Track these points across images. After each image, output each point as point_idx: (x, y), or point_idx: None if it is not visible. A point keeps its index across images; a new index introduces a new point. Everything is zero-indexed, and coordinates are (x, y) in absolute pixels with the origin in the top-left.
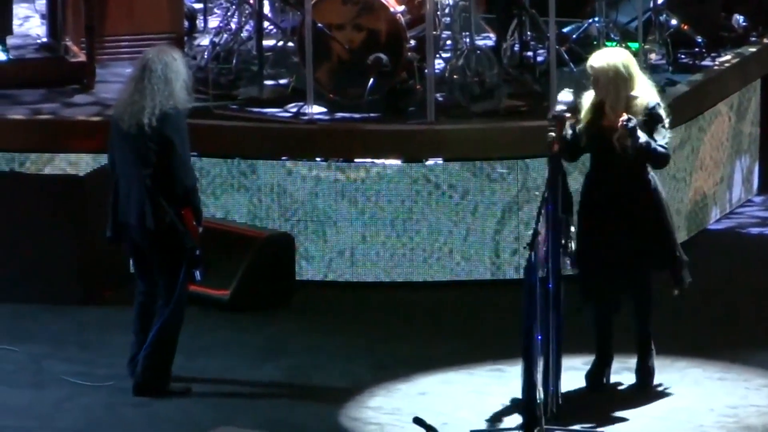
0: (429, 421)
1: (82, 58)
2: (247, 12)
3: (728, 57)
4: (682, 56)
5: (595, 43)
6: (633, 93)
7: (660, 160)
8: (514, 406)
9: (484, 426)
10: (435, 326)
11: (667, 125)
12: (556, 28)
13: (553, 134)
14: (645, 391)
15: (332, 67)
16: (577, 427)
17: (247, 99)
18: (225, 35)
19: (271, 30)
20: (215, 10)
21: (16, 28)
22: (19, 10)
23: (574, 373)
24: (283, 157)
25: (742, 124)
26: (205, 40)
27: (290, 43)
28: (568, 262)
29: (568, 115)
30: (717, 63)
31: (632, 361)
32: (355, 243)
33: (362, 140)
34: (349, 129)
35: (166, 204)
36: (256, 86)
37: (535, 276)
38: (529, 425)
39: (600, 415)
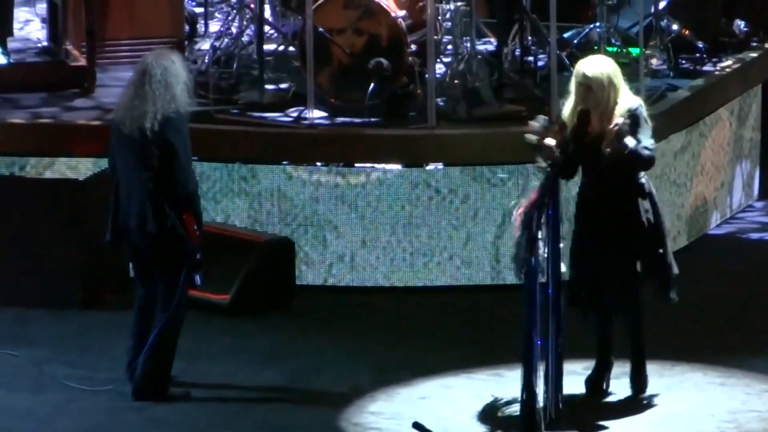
0: (429, 425)
1: (82, 62)
2: (248, 16)
3: (729, 62)
4: (683, 61)
5: (596, 48)
6: (619, 101)
7: (646, 163)
8: (510, 409)
9: (483, 431)
10: (435, 331)
11: (650, 122)
12: (557, 33)
13: (533, 136)
14: (641, 399)
15: (333, 72)
16: None
17: (247, 103)
18: (226, 39)
19: (272, 34)
20: (216, 15)
21: (16, 32)
22: (19, 14)
23: (574, 378)
24: (284, 162)
25: (743, 129)
26: (205, 45)
27: (291, 48)
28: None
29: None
30: (718, 68)
31: None
32: (355, 248)
33: (363, 145)
34: (350, 134)
35: (168, 208)
36: (257, 91)
37: (535, 281)
38: (528, 430)
39: (600, 420)
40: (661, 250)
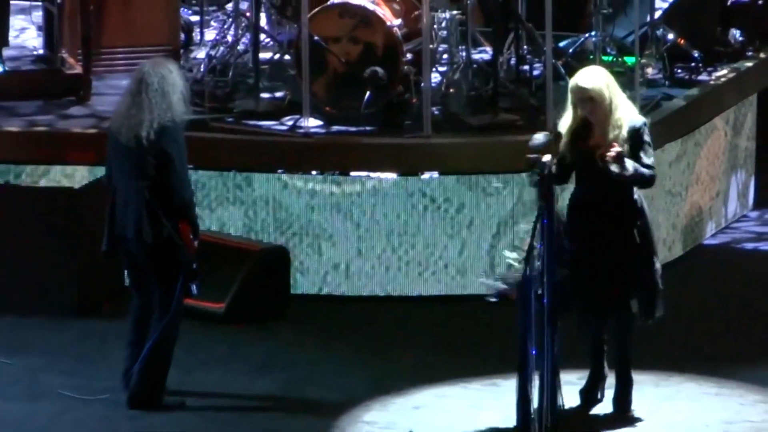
0: None
1: (78, 70)
2: (243, 25)
3: (725, 71)
4: (679, 71)
5: (591, 57)
6: (618, 111)
7: (647, 183)
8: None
9: None
10: (430, 340)
11: (651, 143)
12: (553, 42)
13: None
14: (624, 418)
15: (329, 81)
16: None
17: (243, 112)
18: (221, 48)
19: (267, 43)
20: (212, 23)
21: (12, 40)
22: (15, 22)
23: (569, 388)
24: (279, 170)
25: (738, 138)
26: (201, 53)
27: (287, 56)
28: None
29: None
30: (713, 77)
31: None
32: (350, 256)
33: (358, 153)
34: (345, 142)
35: (164, 217)
36: (253, 99)
37: (530, 290)
38: None
39: (594, 431)
40: (649, 269)
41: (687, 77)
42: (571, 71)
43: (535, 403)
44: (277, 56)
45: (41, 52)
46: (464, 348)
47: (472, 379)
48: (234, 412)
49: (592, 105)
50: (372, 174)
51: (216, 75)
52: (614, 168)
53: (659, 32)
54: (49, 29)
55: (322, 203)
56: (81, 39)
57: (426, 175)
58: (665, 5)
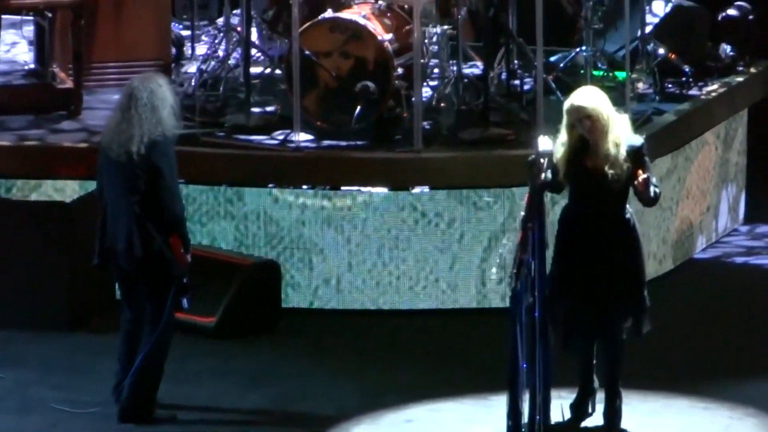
0: None
1: (69, 84)
2: (234, 39)
3: (715, 86)
4: (670, 85)
5: (582, 72)
6: (616, 129)
7: (657, 202)
8: None
9: None
10: (421, 354)
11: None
12: (544, 57)
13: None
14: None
15: (320, 95)
16: None
17: (234, 126)
18: (212, 62)
19: (258, 57)
20: (203, 38)
21: (3, 55)
22: (6, 36)
23: (561, 403)
24: (270, 185)
25: (729, 153)
26: (192, 67)
27: (278, 71)
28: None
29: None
30: (704, 92)
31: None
32: (341, 271)
33: (349, 168)
34: (336, 157)
35: (154, 231)
36: (244, 113)
37: (521, 304)
38: None
39: None
40: (638, 286)
41: (678, 92)
42: (562, 86)
43: (525, 418)
44: (268, 71)
45: (32, 66)
46: (456, 362)
47: (463, 393)
48: (225, 426)
49: (590, 123)
50: (363, 188)
51: (207, 89)
52: (642, 193)
53: (650, 47)
54: (40, 44)
55: (313, 217)
56: (72, 53)
57: (417, 190)
58: (656, 20)
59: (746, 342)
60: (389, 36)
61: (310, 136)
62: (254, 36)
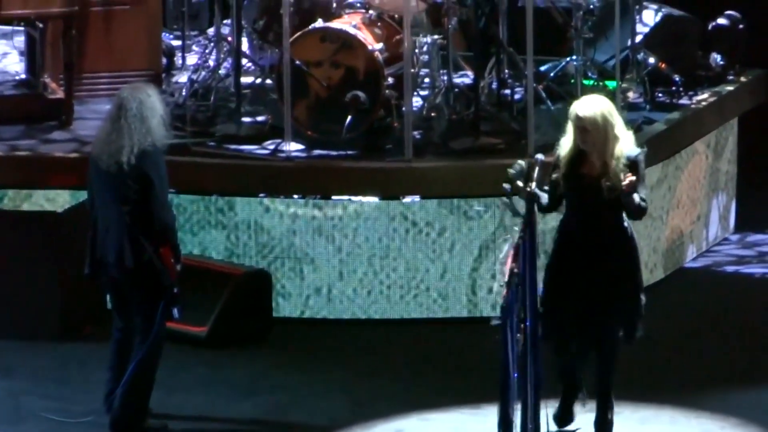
0: None
1: (60, 94)
2: (225, 49)
3: (705, 95)
4: (660, 94)
5: (572, 81)
6: (616, 141)
7: (640, 215)
8: None
9: None
10: (412, 364)
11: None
12: (534, 66)
13: (507, 185)
14: None
15: (310, 105)
16: None
17: (224, 136)
18: (203, 72)
19: (249, 67)
20: (193, 48)
21: None
22: None
23: (552, 413)
24: (261, 194)
25: (719, 162)
26: (183, 77)
27: (268, 81)
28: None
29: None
30: (694, 101)
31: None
32: (332, 280)
33: (340, 177)
34: (327, 166)
35: (145, 242)
36: (234, 123)
37: (512, 314)
38: None
39: None
40: (635, 296)
41: (668, 101)
42: (553, 95)
43: (517, 427)
44: (258, 80)
45: (23, 76)
46: (447, 371)
47: (454, 403)
48: None
49: (584, 133)
50: (353, 198)
51: (198, 99)
52: (624, 196)
53: (640, 56)
54: (31, 54)
55: (303, 227)
56: (63, 64)
57: (407, 199)
58: (646, 29)
59: (737, 351)
60: (380, 45)
61: (300, 146)
62: (245, 46)
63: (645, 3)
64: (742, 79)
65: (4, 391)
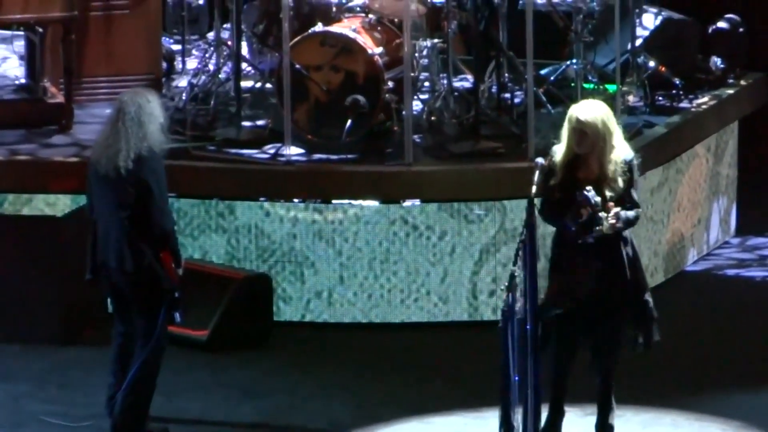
0: None
1: (60, 99)
2: (225, 53)
3: (706, 99)
4: (660, 98)
5: (572, 85)
6: (613, 149)
7: (635, 224)
8: None
9: None
10: (413, 368)
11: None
12: (534, 70)
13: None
14: None
15: (310, 109)
16: None
17: (224, 140)
18: (203, 76)
19: (249, 71)
20: (193, 52)
21: None
22: None
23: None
24: (261, 198)
25: (720, 165)
26: (183, 82)
27: (268, 85)
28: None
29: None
30: (694, 105)
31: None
32: (332, 284)
33: (340, 181)
34: (327, 170)
35: (145, 246)
36: (234, 127)
37: (513, 318)
38: None
39: None
40: (640, 299)
41: (668, 105)
42: (553, 99)
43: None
44: (258, 85)
45: (23, 81)
46: (447, 375)
47: (455, 407)
48: None
49: (579, 137)
50: (354, 202)
51: (198, 103)
52: (610, 229)
53: (640, 60)
54: (30, 58)
55: (304, 231)
56: (63, 68)
57: (408, 203)
58: (646, 33)
59: (738, 354)
60: (379, 50)
61: (300, 150)
62: (245, 50)
63: (645, 6)
64: (743, 82)
65: (5, 395)
